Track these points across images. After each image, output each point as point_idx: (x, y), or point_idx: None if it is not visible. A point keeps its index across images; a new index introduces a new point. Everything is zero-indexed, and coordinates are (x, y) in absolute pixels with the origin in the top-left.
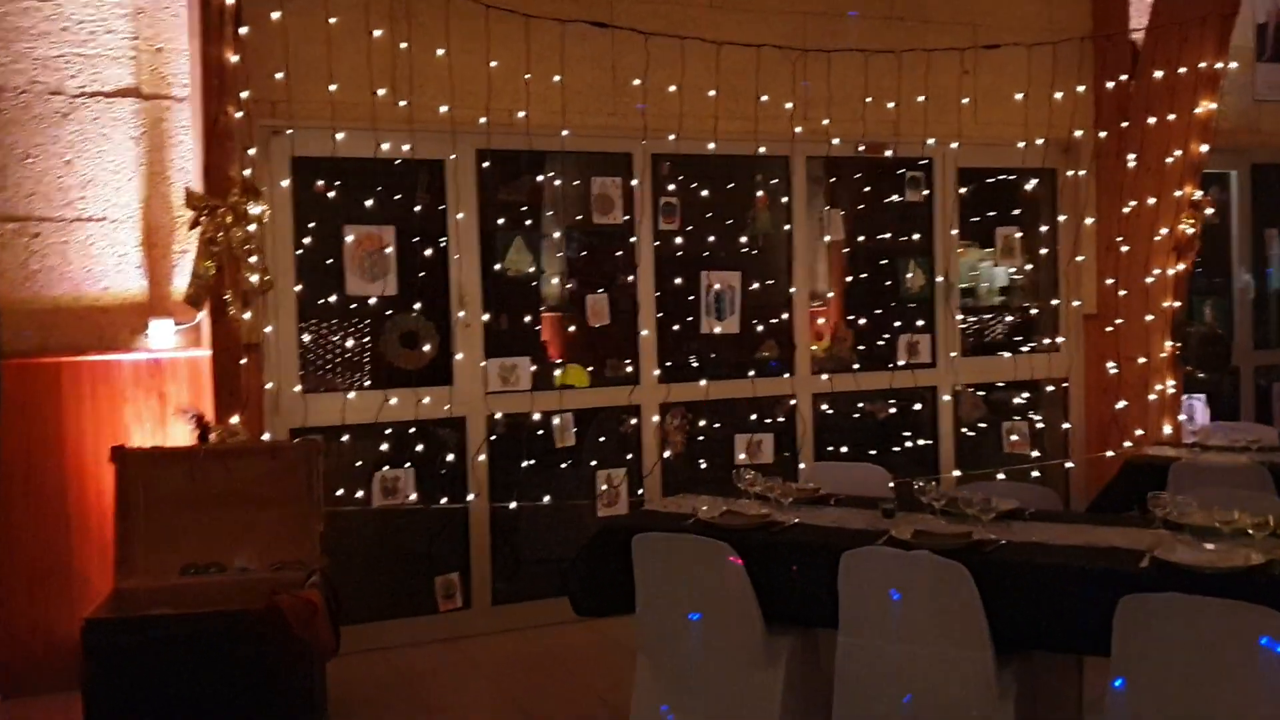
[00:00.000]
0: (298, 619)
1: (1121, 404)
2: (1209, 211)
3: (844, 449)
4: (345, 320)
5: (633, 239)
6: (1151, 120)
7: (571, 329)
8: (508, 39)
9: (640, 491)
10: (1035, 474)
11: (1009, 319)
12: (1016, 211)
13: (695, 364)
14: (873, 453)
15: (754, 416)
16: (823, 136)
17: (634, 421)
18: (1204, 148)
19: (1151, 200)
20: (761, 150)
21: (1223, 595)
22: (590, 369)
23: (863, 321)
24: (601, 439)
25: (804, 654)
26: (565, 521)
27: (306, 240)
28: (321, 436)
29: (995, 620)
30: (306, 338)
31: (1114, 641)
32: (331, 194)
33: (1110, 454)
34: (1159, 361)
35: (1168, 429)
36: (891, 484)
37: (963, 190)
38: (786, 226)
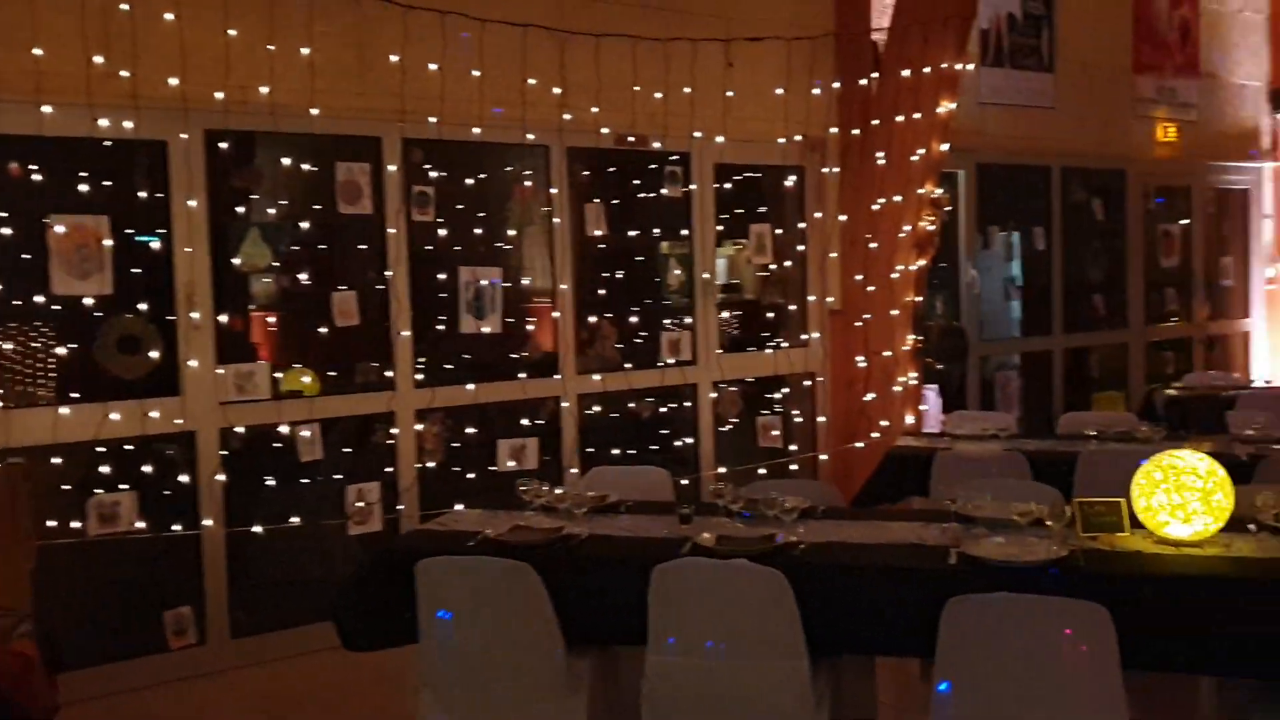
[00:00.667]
0: (8, 678)
1: (870, 396)
2: (947, 209)
3: (612, 451)
4: (53, 324)
5: (386, 230)
6: (899, 119)
7: (318, 329)
8: (248, 6)
9: (399, 507)
10: (794, 467)
11: (764, 315)
12: (766, 209)
13: (453, 366)
14: (633, 453)
15: (522, 420)
16: (589, 126)
17: (393, 430)
18: (944, 147)
19: (898, 198)
20: (530, 137)
21: (1034, 590)
22: (335, 373)
23: (627, 319)
24: (350, 450)
25: (606, 675)
26: (314, 542)
27: (5, 231)
28: (25, 459)
29: (809, 626)
30: (8, 345)
31: (939, 644)
32: (35, 178)
33: (860, 445)
34: (902, 354)
35: (910, 419)
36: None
37: (721, 186)
38: (552, 220)
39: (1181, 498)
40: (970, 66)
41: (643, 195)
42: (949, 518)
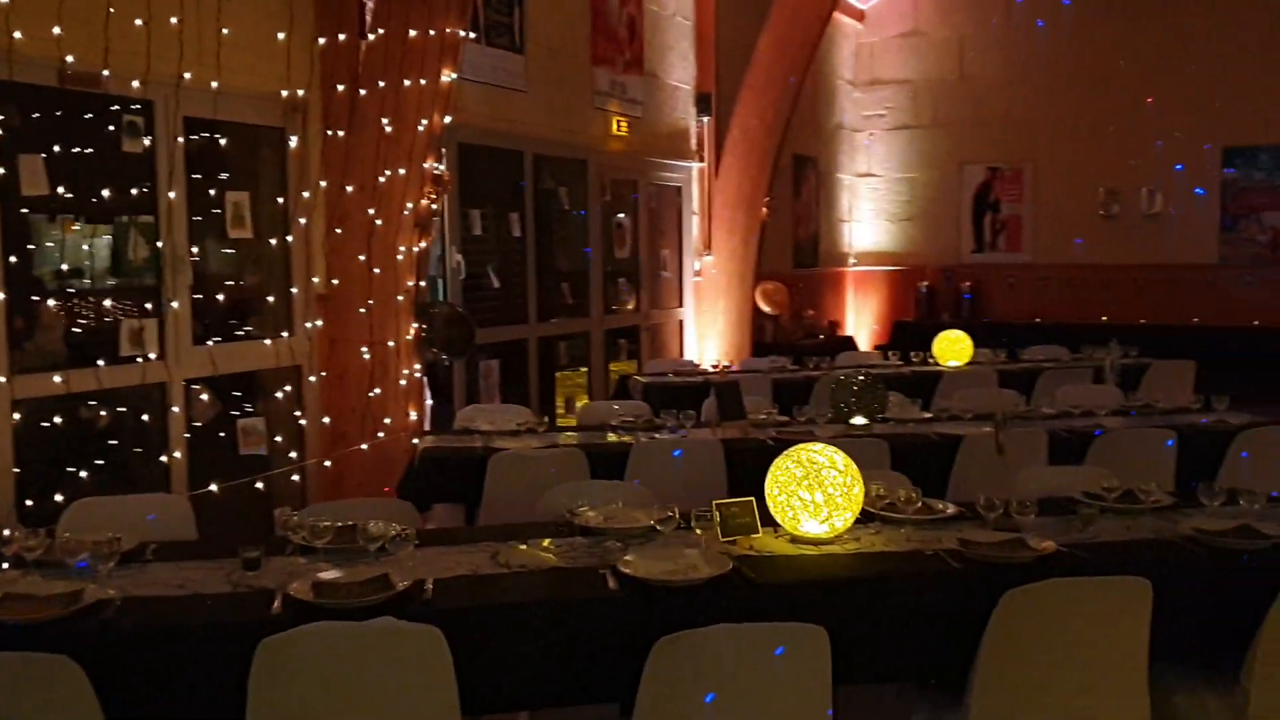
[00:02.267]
0: None
1: (376, 391)
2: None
3: (64, 471)
4: None
5: None
6: (405, 83)
7: None
8: None
9: None
10: (296, 477)
11: (244, 300)
12: (247, 175)
13: None
14: (84, 474)
15: None
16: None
17: None
18: (447, 119)
19: (402, 170)
20: None
21: (702, 608)
22: None
23: (80, 304)
24: None
25: None
26: None
27: None
28: None
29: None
30: None
31: (643, 690)
32: None
33: (365, 446)
34: (404, 345)
35: (413, 415)
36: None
37: (189, 143)
38: None
39: (825, 494)
40: (473, 35)
41: (95, 149)
42: (573, 532)
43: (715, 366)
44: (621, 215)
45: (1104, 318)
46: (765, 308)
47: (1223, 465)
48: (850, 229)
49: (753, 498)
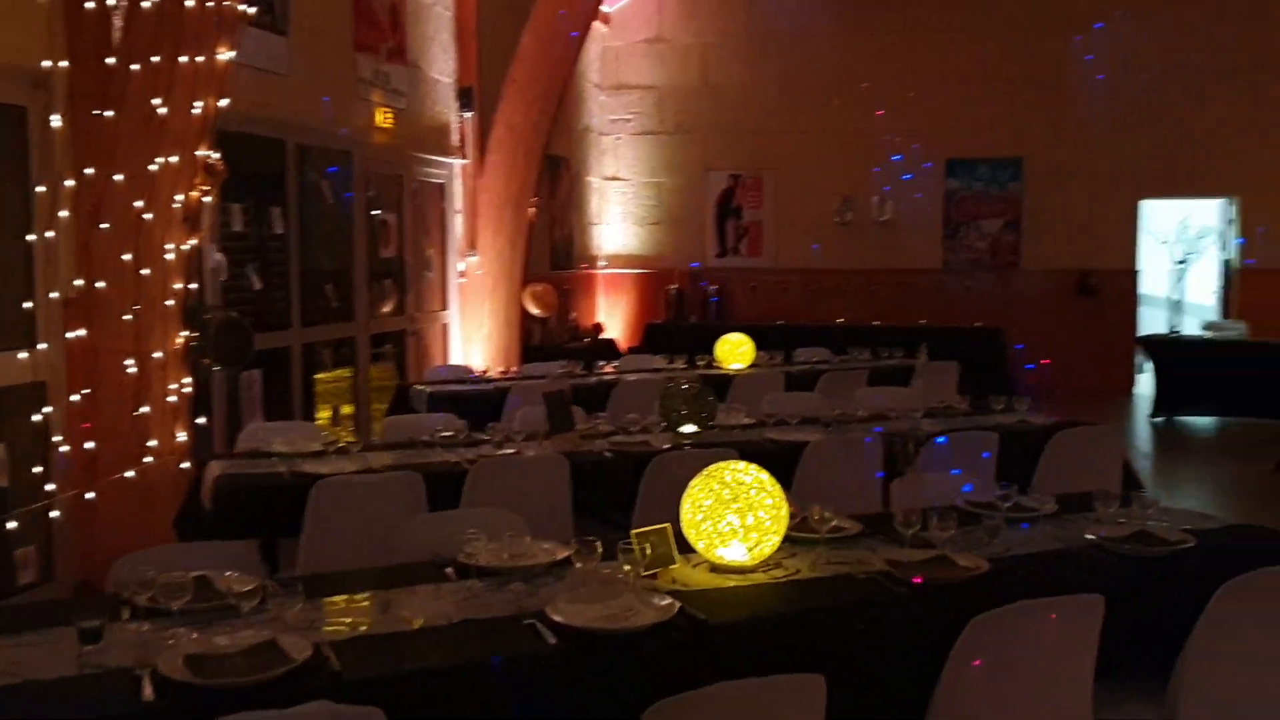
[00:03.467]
0: None
1: (144, 409)
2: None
3: None
4: None
5: None
6: (162, 60)
7: None
8: None
9: None
10: (55, 514)
11: None
12: None
13: None
14: None
15: None
16: None
17: None
18: (223, 102)
19: (174, 158)
20: None
21: (646, 658)
22: None
23: None
24: None
25: None
26: None
27: None
28: None
29: None
30: None
31: None
32: None
33: (131, 474)
34: (172, 356)
35: (182, 435)
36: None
37: None
38: None
39: (756, 518)
40: (253, 9)
41: None
42: (470, 574)
43: (505, 372)
44: (378, 212)
45: (840, 319)
46: (534, 310)
47: (1039, 465)
48: (600, 231)
49: (668, 525)
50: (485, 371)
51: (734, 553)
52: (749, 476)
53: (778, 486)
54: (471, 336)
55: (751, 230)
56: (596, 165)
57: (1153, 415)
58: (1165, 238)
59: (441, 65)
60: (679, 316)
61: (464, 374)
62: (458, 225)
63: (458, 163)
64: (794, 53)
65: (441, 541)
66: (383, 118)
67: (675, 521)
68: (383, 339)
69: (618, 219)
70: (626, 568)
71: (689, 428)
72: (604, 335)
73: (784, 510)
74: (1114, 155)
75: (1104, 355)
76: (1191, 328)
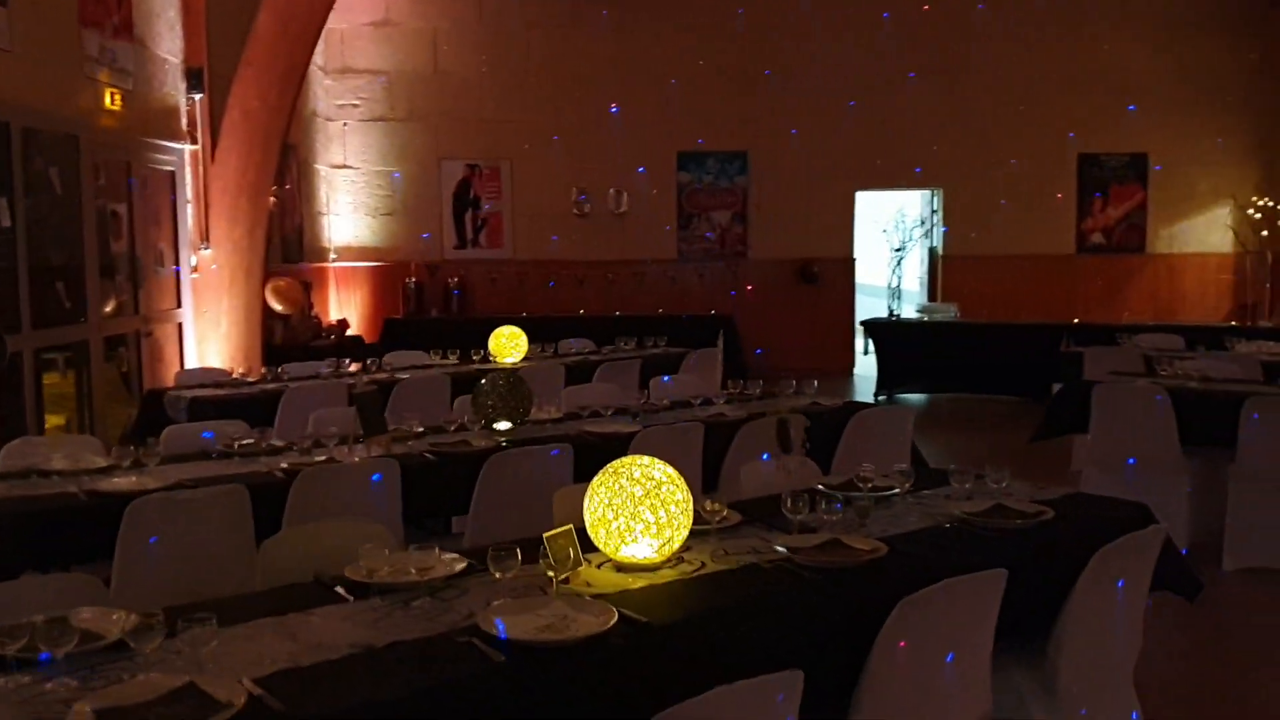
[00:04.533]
0: None
1: None
2: None
3: None
4: None
5: None
6: None
7: None
8: None
9: None
10: None
11: None
12: None
13: None
14: None
15: None
16: None
17: None
18: None
19: None
20: None
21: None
22: None
23: None
24: None
25: None
26: None
27: None
28: None
29: None
30: None
31: None
32: None
33: None
34: None
35: None
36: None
37: None
38: None
39: (668, 513)
40: None
41: None
42: (369, 592)
43: (265, 374)
44: (103, 202)
45: (581, 310)
46: (277, 306)
47: (839, 445)
48: (330, 222)
49: (571, 525)
50: (244, 374)
51: (640, 550)
52: (658, 472)
53: (683, 480)
54: (208, 336)
55: (491, 221)
56: (324, 153)
57: (876, 394)
58: (885, 227)
59: (169, 44)
60: (419, 310)
61: (222, 377)
62: (189, 216)
63: (188, 148)
64: (529, 41)
65: (315, 558)
66: (110, 99)
67: (519, 521)
68: (119, 341)
69: (349, 209)
70: (550, 573)
71: (504, 424)
72: (350, 332)
73: (691, 505)
74: (830, 149)
75: (826, 339)
76: (910, 312)
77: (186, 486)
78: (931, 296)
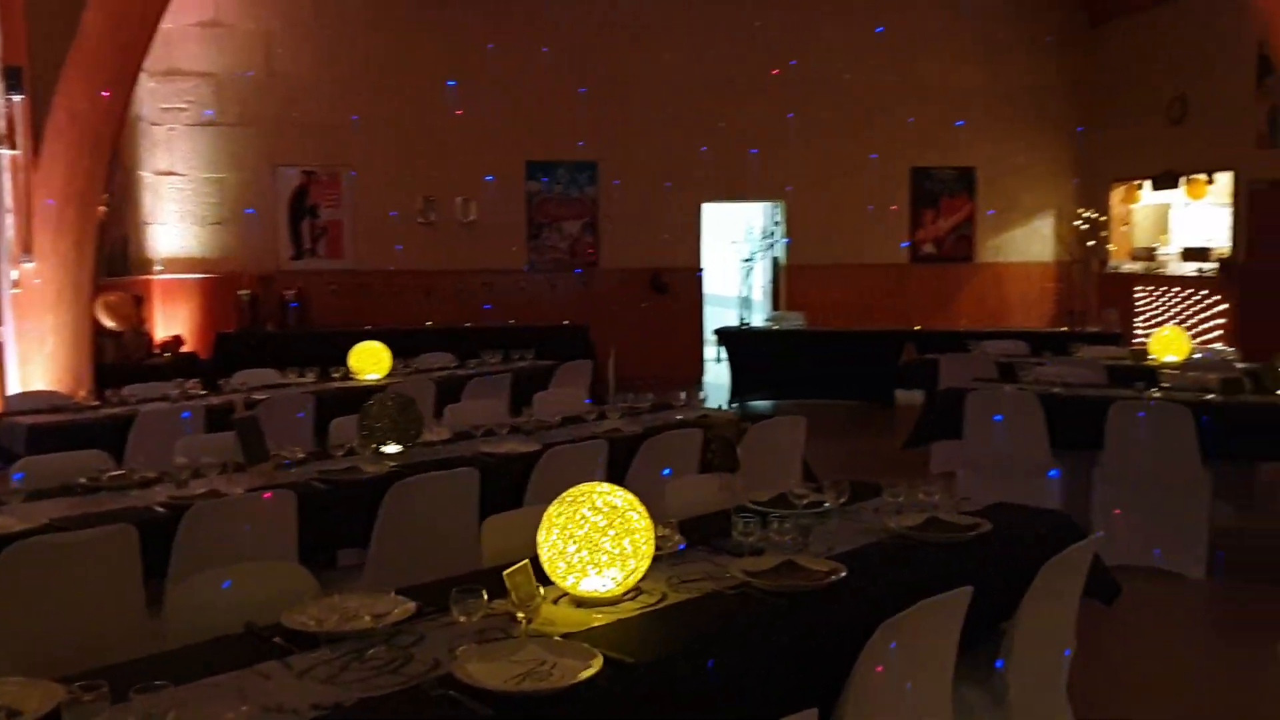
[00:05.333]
0: None
1: None
2: None
3: None
4: None
5: None
6: None
7: None
8: None
9: None
10: None
11: None
12: None
13: None
14: None
15: None
16: None
17: None
18: None
19: None
20: None
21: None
22: None
23: None
24: None
25: None
26: None
27: None
28: None
29: None
30: None
31: None
32: None
33: None
34: None
35: None
36: None
37: None
38: None
39: (632, 542)
40: None
41: None
42: (315, 642)
43: (105, 398)
44: None
45: (429, 322)
46: (108, 322)
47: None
48: (155, 232)
49: (527, 560)
50: (85, 397)
51: (601, 583)
52: (619, 499)
53: (643, 506)
54: (31, 357)
55: (330, 230)
56: (149, 159)
57: (730, 401)
58: (734, 239)
59: None
60: (254, 324)
61: (61, 401)
62: (9, 227)
63: (6, 153)
64: (370, 44)
65: (235, 607)
66: None
67: (427, 552)
68: None
69: (175, 218)
70: (519, 614)
71: (393, 447)
72: (185, 349)
73: (652, 532)
74: (677, 161)
75: (676, 348)
76: (759, 321)
77: (61, 527)
78: (775, 306)
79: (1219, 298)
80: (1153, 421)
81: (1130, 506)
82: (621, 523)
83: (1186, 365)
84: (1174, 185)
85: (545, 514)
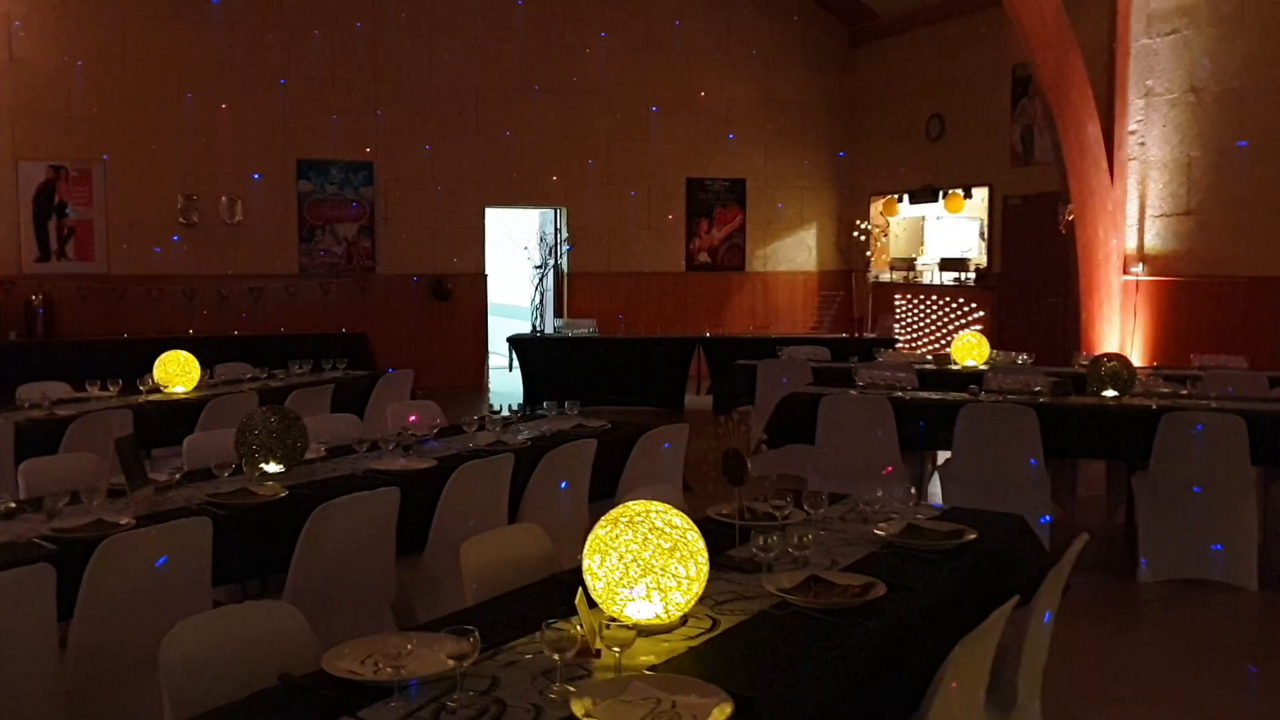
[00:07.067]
0: None
1: None
2: None
3: None
4: None
5: None
6: None
7: None
8: None
9: None
10: None
11: None
12: None
13: None
14: None
15: None
16: None
17: None
18: None
19: None
20: None
21: None
22: None
23: None
24: None
25: None
26: None
27: None
28: None
29: None
30: None
31: None
32: None
33: None
34: None
35: None
36: None
37: None
38: None
39: (696, 565)
40: None
41: None
42: (366, 695)
43: None
44: None
45: (190, 330)
46: None
47: (627, 465)
48: None
49: (580, 587)
50: None
51: (648, 609)
52: (677, 519)
53: (696, 527)
54: None
55: (80, 231)
56: None
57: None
58: (525, 244)
59: None
60: None
61: None
62: None
63: None
64: (125, 31)
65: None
66: None
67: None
68: None
69: None
70: (615, 649)
71: (274, 466)
72: None
73: (706, 554)
74: (459, 164)
75: (459, 355)
76: (550, 328)
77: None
78: (558, 313)
79: (975, 304)
80: (995, 422)
81: (980, 504)
82: (685, 544)
83: (995, 369)
84: (934, 199)
85: (595, 535)
